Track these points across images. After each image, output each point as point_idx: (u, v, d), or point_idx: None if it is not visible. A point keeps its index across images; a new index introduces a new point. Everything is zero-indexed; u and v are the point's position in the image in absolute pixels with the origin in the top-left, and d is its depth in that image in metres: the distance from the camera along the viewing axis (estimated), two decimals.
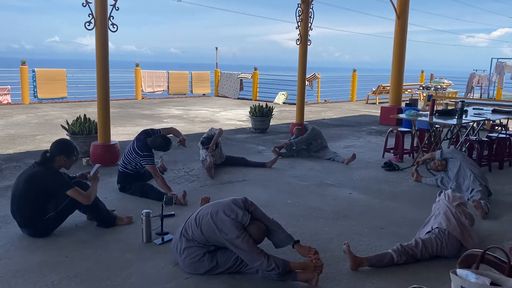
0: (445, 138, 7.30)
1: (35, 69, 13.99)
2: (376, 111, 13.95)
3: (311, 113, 13.38)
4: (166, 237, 3.85)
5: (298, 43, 8.84)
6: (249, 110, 9.81)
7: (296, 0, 8.77)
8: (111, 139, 6.58)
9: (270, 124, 10.00)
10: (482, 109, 7.97)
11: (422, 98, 17.74)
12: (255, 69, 17.96)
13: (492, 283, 2.43)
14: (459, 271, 2.52)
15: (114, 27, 6.20)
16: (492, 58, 17.16)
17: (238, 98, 17.97)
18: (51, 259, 3.45)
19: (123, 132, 9.30)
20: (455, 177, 5.41)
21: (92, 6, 6.00)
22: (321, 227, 4.28)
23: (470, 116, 7.07)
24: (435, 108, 7.05)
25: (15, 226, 3.91)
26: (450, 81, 19.58)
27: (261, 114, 9.58)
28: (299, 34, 8.79)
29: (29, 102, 13.92)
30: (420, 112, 7.16)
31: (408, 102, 11.30)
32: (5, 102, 13.50)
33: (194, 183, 5.66)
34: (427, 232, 3.68)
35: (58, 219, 3.85)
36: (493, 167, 6.71)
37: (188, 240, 3.24)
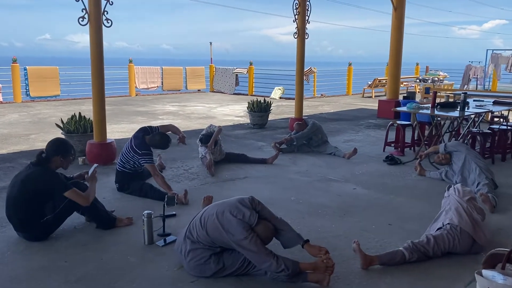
0: (447, 131, 7.20)
1: (27, 67, 13.74)
2: (372, 105, 13.86)
3: (308, 108, 13.25)
4: (169, 239, 3.72)
5: (295, 36, 8.70)
6: (247, 105, 9.67)
7: None
8: (107, 137, 6.43)
9: (268, 119, 9.87)
10: (483, 101, 7.88)
11: (418, 90, 17.67)
12: (251, 64, 17.79)
13: None
14: (484, 272, 2.41)
15: (108, 22, 6.03)
16: (487, 50, 17.11)
17: (234, 94, 17.81)
18: (50, 264, 3.31)
19: (118, 130, 9.13)
20: (460, 171, 5.32)
21: (86, 1, 5.83)
22: (327, 224, 4.16)
23: (472, 108, 6.98)
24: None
25: (11, 229, 3.76)
26: (445, 73, 19.52)
27: (260, 109, 9.44)
28: (297, 27, 8.65)
29: (22, 101, 13.68)
30: (422, 105, 7.04)
31: (405, 95, 11.21)
32: None
33: (194, 181, 5.52)
34: (438, 228, 3.57)
35: (56, 222, 3.70)
36: (495, 159, 6.63)
37: (193, 242, 3.11)
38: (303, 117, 8.81)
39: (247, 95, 17.31)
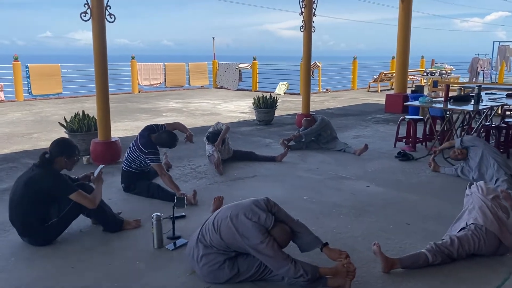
0: (460, 125, 7.01)
1: (29, 65, 13.59)
2: (379, 99, 13.66)
3: (314, 103, 13.02)
4: (179, 242, 3.56)
5: (302, 30, 8.50)
6: (253, 101, 9.48)
7: None
8: (111, 136, 6.27)
9: (275, 115, 9.69)
10: (495, 94, 7.68)
11: (423, 84, 17.43)
12: (254, 59, 17.57)
13: None
14: None
15: (111, 18, 5.86)
16: (494, 42, 16.86)
17: (237, 90, 17.61)
18: (56, 270, 3.16)
19: (122, 128, 8.97)
20: (477, 166, 5.14)
21: None
22: (343, 224, 4.00)
23: (486, 102, 6.78)
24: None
25: (15, 233, 3.60)
26: (451, 66, 19.27)
27: (266, 106, 9.26)
28: (303, 20, 8.45)
29: (23, 99, 13.53)
30: (434, 99, 6.85)
31: (413, 89, 11.02)
32: None
33: (202, 180, 5.36)
34: (461, 229, 3.40)
35: (61, 226, 3.54)
36: (510, 154, 6.43)
37: (206, 246, 2.94)
38: (311, 113, 8.63)
39: (251, 91, 17.12)
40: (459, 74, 18.97)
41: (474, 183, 3.81)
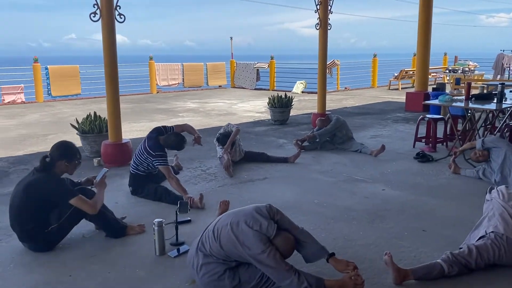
0: (483, 124, 6.70)
1: (48, 66, 13.73)
2: (399, 97, 13.32)
3: (332, 102, 12.82)
4: (182, 248, 3.44)
5: (317, 27, 8.30)
6: (268, 101, 9.33)
7: None
8: (122, 137, 6.21)
9: (290, 115, 9.51)
10: None
11: (446, 81, 16.94)
12: (272, 58, 17.40)
13: None
14: None
15: (121, 18, 5.79)
16: None
17: (255, 89, 17.48)
18: (53, 278, 3.07)
19: (137, 128, 8.94)
20: (499, 169, 4.87)
21: None
22: (355, 230, 3.81)
23: (510, 100, 6.46)
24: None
25: (16, 239, 3.54)
26: (475, 63, 18.68)
27: (281, 105, 9.08)
28: (319, 18, 8.25)
29: (43, 100, 13.70)
30: (455, 97, 6.57)
31: (435, 86, 10.66)
32: (19, 101, 13.29)
33: (211, 182, 5.23)
34: (480, 237, 3.17)
35: (62, 231, 3.46)
36: None
37: (205, 255, 2.81)
38: (326, 112, 8.42)
39: (268, 90, 16.95)
40: (483, 71, 18.38)
41: (495, 187, 3.57)
